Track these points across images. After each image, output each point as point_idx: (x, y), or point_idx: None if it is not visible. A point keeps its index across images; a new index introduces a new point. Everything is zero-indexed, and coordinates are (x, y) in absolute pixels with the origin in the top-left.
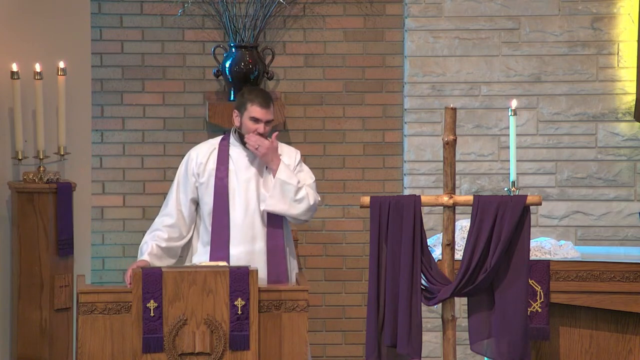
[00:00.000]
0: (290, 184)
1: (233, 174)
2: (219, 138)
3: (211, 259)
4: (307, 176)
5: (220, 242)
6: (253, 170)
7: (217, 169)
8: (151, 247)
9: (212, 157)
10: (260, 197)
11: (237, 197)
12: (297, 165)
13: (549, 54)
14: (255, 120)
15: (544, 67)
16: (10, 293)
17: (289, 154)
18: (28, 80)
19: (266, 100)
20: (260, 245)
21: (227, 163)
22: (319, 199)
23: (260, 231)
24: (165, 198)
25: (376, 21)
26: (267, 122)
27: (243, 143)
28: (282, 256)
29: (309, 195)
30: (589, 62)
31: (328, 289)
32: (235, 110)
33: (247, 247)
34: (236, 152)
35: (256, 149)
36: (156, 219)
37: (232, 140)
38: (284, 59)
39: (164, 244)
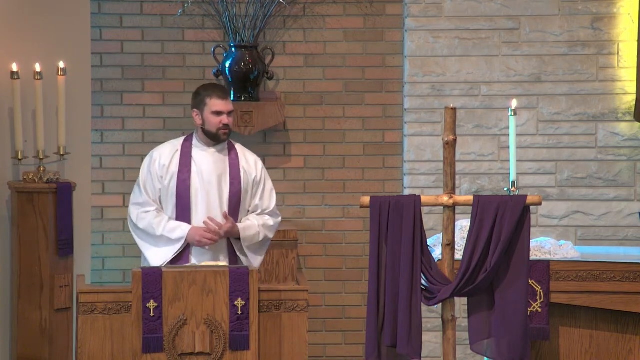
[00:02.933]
0: (255, 242)
1: (196, 175)
2: (181, 139)
3: (173, 262)
4: (268, 198)
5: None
6: (217, 172)
7: (180, 171)
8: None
9: (174, 159)
10: (224, 200)
11: (199, 199)
12: (260, 177)
13: (549, 54)
14: (218, 113)
15: (544, 67)
16: (10, 293)
17: (251, 164)
18: (28, 80)
19: (224, 91)
20: (222, 246)
21: (190, 165)
22: (280, 219)
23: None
24: (133, 195)
25: (376, 21)
26: (229, 114)
27: (208, 142)
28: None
29: (270, 227)
30: (589, 62)
31: (328, 289)
32: (195, 110)
33: (209, 251)
34: (199, 153)
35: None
36: (136, 211)
37: (195, 141)
38: (284, 59)
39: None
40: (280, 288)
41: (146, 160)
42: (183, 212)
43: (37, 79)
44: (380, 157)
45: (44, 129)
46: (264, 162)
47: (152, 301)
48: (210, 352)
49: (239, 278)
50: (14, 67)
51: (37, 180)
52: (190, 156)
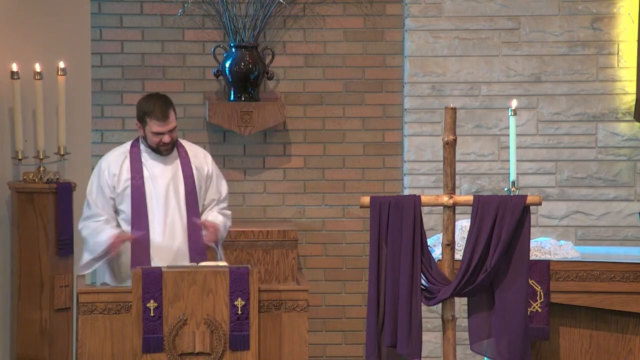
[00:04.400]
0: (226, 230)
1: (149, 180)
2: (128, 144)
3: (132, 266)
4: (220, 188)
5: (140, 252)
6: (168, 175)
7: (132, 178)
8: (104, 221)
9: (124, 166)
10: (180, 201)
11: (155, 204)
12: (212, 171)
13: (549, 54)
14: (157, 134)
15: (544, 67)
16: (10, 293)
17: (201, 159)
18: (28, 80)
19: (163, 112)
20: (182, 247)
21: (142, 171)
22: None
23: (180, 234)
24: (83, 211)
25: (376, 21)
26: (170, 131)
27: (152, 150)
28: (204, 253)
29: (229, 216)
30: (589, 62)
31: (328, 289)
32: (137, 122)
33: (170, 251)
34: (149, 159)
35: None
36: (85, 222)
37: (143, 147)
38: (284, 59)
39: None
40: (280, 288)
41: (95, 171)
42: (139, 217)
43: (37, 79)
44: (380, 157)
45: (44, 129)
46: (263, 162)
47: (152, 301)
48: (210, 352)
49: (239, 278)
50: (14, 67)
51: (37, 180)
52: (141, 161)
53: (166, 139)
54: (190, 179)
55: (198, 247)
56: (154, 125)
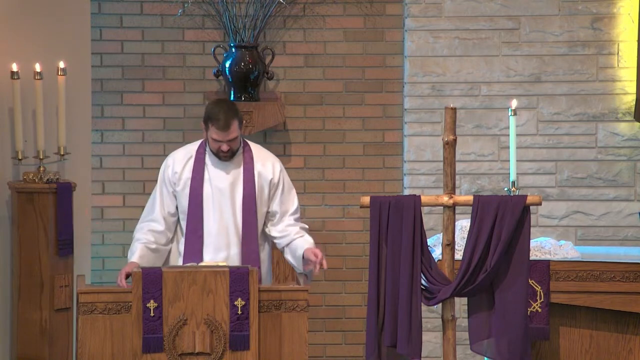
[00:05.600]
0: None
1: (208, 182)
2: (197, 144)
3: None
4: (293, 201)
5: (193, 250)
6: (229, 179)
7: (193, 178)
8: (141, 248)
9: (187, 166)
10: (237, 206)
11: (211, 206)
12: (279, 180)
13: (549, 54)
14: (216, 140)
15: (544, 67)
16: (10, 293)
17: (268, 167)
18: (28, 80)
19: (226, 120)
20: (235, 252)
21: (203, 172)
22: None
23: (234, 239)
24: (148, 202)
25: (376, 21)
26: (229, 141)
27: (214, 154)
28: (256, 265)
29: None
30: (589, 62)
31: (328, 289)
32: (202, 124)
33: (221, 255)
34: (212, 160)
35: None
36: (142, 223)
37: (208, 149)
38: (284, 59)
39: (153, 246)
40: (280, 288)
41: (162, 166)
42: (195, 220)
43: (37, 79)
44: (380, 157)
45: (44, 129)
46: None
47: (152, 301)
48: (210, 352)
49: (239, 278)
50: (14, 67)
51: (37, 180)
52: (204, 162)
53: (224, 147)
54: (250, 185)
55: (251, 255)
56: (213, 133)
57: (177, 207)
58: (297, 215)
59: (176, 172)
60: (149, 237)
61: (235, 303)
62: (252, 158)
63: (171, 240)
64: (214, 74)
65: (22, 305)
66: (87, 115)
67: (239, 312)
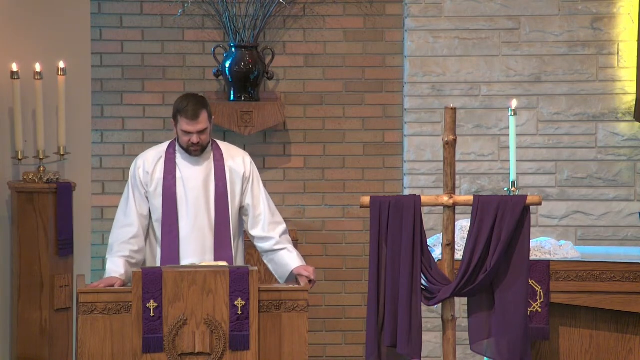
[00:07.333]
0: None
1: (180, 181)
2: (166, 144)
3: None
4: (266, 199)
5: (170, 251)
6: (201, 177)
7: (165, 178)
8: (124, 264)
9: (159, 166)
10: (210, 204)
11: (184, 206)
12: (250, 173)
13: (549, 54)
14: (186, 132)
15: (544, 67)
16: (10, 293)
17: (238, 161)
18: (28, 80)
19: (195, 111)
20: (209, 258)
21: (174, 171)
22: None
23: (209, 242)
24: (119, 207)
25: (376, 21)
26: (199, 132)
27: (184, 150)
28: (230, 261)
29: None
30: (589, 62)
31: (328, 289)
32: (172, 120)
33: (197, 256)
34: (183, 160)
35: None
36: (116, 231)
37: (178, 147)
38: (284, 59)
39: (133, 261)
40: (280, 288)
41: (132, 167)
42: (169, 218)
43: (37, 79)
44: (380, 157)
45: (44, 129)
46: (263, 162)
47: (152, 301)
48: (210, 352)
49: (239, 278)
50: (14, 67)
51: (37, 180)
52: (175, 162)
53: (194, 139)
54: (222, 182)
55: (224, 251)
56: (183, 124)
57: (149, 210)
58: (275, 219)
59: (148, 173)
60: (128, 249)
61: (235, 303)
62: (221, 155)
63: (144, 246)
64: (214, 74)
65: (22, 305)
66: (87, 115)
67: (239, 312)
